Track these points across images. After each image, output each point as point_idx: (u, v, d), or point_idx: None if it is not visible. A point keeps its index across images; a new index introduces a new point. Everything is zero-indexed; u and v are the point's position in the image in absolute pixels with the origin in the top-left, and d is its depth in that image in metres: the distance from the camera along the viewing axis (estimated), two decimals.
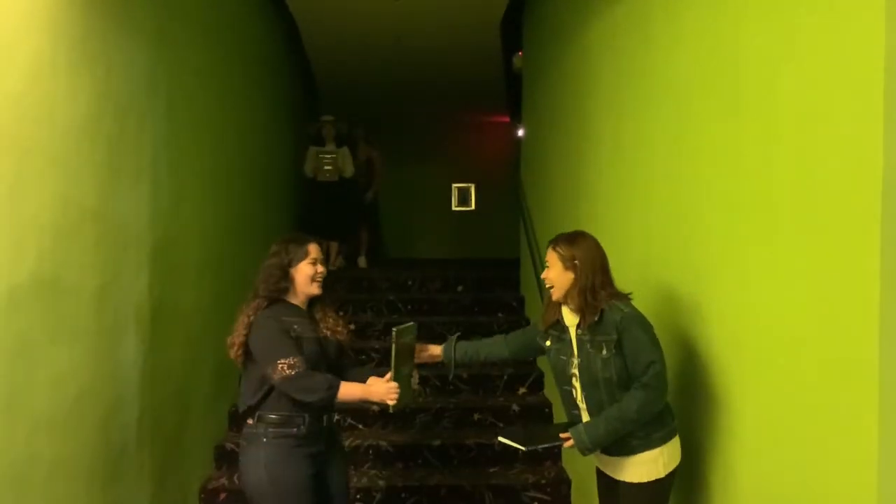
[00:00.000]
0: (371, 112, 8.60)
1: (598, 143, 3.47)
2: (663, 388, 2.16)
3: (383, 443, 4.12)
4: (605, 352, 2.17)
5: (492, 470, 4.09)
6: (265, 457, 2.42)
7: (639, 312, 2.21)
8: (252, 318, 2.47)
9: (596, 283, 2.22)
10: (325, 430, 2.55)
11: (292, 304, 2.56)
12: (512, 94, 7.40)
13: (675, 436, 2.23)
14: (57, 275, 2.40)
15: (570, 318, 2.30)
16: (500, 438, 2.36)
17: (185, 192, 3.58)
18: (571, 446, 2.19)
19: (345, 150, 6.48)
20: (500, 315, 5.56)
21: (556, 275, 2.27)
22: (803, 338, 1.69)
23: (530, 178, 5.45)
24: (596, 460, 2.37)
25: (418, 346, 2.61)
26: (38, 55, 2.28)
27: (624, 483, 2.22)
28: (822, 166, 1.61)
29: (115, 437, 2.85)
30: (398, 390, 2.38)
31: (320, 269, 2.57)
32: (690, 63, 2.37)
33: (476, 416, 4.42)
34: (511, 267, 6.13)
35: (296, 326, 2.47)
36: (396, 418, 4.35)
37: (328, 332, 2.59)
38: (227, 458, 4.06)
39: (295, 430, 2.44)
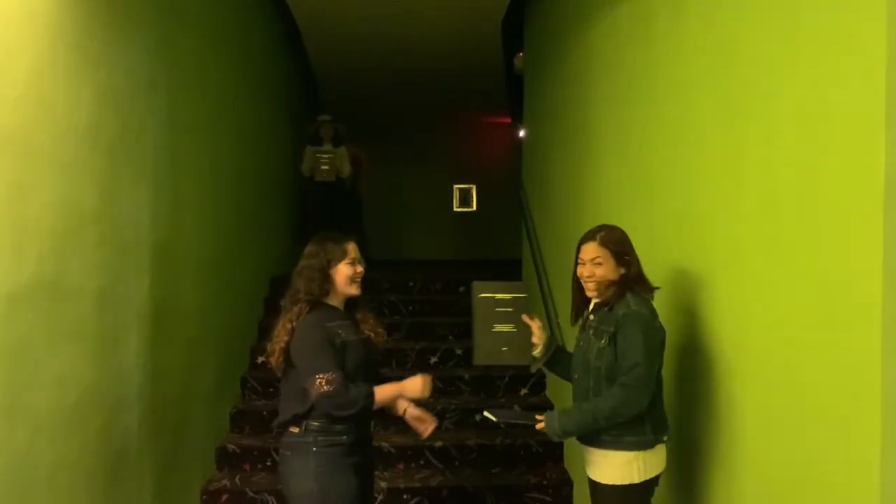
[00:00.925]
0: (372, 112, 8.60)
1: (600, 144, 3.47)
2: (643, 393, 2.12)
3: (385, 444, 4.11)
4: (602, 341, 2.19)
5: (493, 471, 4.09)
6: (315, 467, 2.33)
7: (647, 313, 2.18)
8: (294, 323, 2.39)
9: (640, 274, 2.25)
10: (368, 439, 2.52)
11: (333, 307, 2.48)
12: (513, 95, 7.40)
13: (656, 446, 2.19)
14: (58, 277, 2.40)
15: (592, 305, 2.33)
16: (485, 413, 2.37)
17: (185, 194, 3.58)
18: (542, 429, 2.20)
19: (342, 149, 6.48)
20: None
21: (609, 271, 2.23)
22: (806, 338, 1.69)
23: (532, 179, 5.44)
24: (583, 461, 2.37)
25: (529, 318, 2.42)
26: (39, 58, 2.28)
27: (598, 483, 2.22)
28: (825, 167, 1.61)
29: (116, 439, 2.85)
30: (431, 382, 2.42)
31: (359, 269, 2.50)
32: (693, 63, 2.36)
33: (478, 417, 4.42)
34: (513, 268, 6.12)
35: (340, 331, 2.40)
36: (395, 421, 4.33)
37: (371, 334, 2.54)
38: (228, 460, 4.06)
39: (344, 437, 2.37)
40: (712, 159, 2.20)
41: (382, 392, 2.37)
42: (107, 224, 2.75)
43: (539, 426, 2.20)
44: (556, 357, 2.46)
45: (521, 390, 4.75)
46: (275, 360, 2.42)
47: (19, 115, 2.18)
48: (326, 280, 2.44)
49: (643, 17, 2.84)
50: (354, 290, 2.49)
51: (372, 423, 2.51)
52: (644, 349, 2.12)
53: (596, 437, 2.20)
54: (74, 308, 2.52)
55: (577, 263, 2.32)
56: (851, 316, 1.50)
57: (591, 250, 2.26)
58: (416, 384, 2.40)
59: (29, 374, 2.24)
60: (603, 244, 2.25)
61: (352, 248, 2.49)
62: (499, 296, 2.41)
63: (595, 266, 2.24)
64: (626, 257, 2.24)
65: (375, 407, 2.36)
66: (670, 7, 2.56)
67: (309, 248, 2.50)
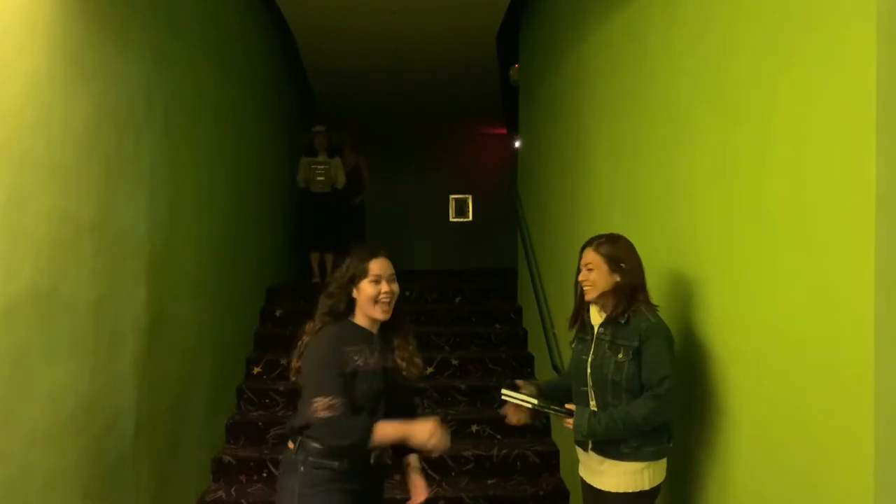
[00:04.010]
0: (369, 123, 8.63)
1: (594, 155, 3.49)
2: (672, 403, 2.17)
3: None
4: (621, 355, 2.19)
5: (490, 481, 4.08)
6: (300, 488, 2.15)
7: (664, 325, 2.22)
8: (307, 339, 2.22)
9: (637, 285, 2.25)
10: (370, 468, 2.23)
11: (358, 327, 2.23)
12: (508, 106, 7.43)
13: (664, 457, 2.23)
14: (54, 287, 2.40)
15: (596, 318, 2.32)
16: (505, 391, 2.31)
17: (182, 204, 3.58)
18: (568, 425, 2.22)
19: (337, 160, 6.48)
20: (497, 325, 5.55)
21: (601, 277, 2.26)
22: (800, 346, 1.70)
23: (527, 189, 5.46)
24: (581, 469, 2.37)
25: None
26: (37, 70, 2.29)
27: (608, 493, 2.23)
28: (817, 176, 1.63)
29: (112, 450, 2.84)
30: (440, 431, 2.10)
31: (385, 288, 2.19)
32: (686, 75, 2.39)
33: (474, 428, 4.41)
34: (508, 277, 6.13)
35: (356, 357, 2.15)
36: None
37: (403, 364, 2.27)
38: (224, 471, 4.05)
39: (336, 463, 2.14)
40: (705, 167, 2.22)
41: (384, 430, 2.10)
42: (103, 234, 2.75)
43: (567, 421, 2.22)
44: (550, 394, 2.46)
45: None
46: (294, 376, 2.29)
47: (17, 125, 2.19)
48: (347, 298, 2.22)
49: (636, 29, 2.87)
50: (378, 314, 2.20)
51: (372, 454, 2.21)
52: (670, 361, 2.17)
53: (614, 449, 2.20)
54: (70, 318, 2.52)
55: (578, 269, 2.35)
56: (844, 323, 1.52)
57: (586, 255, 2.32)
58: (424, 429, 2.10)
59: (25, 384, 2.24)
60: (596, 250, 2.30)
61: (376, 265, 2.21)
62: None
63: (588, 271, 2.29)
64: (622, 265, 2.26)
65: (373, 444, 2.11)
66: (663, 19, 2.58)
67: (344, 263, 2.30)
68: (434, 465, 4.11)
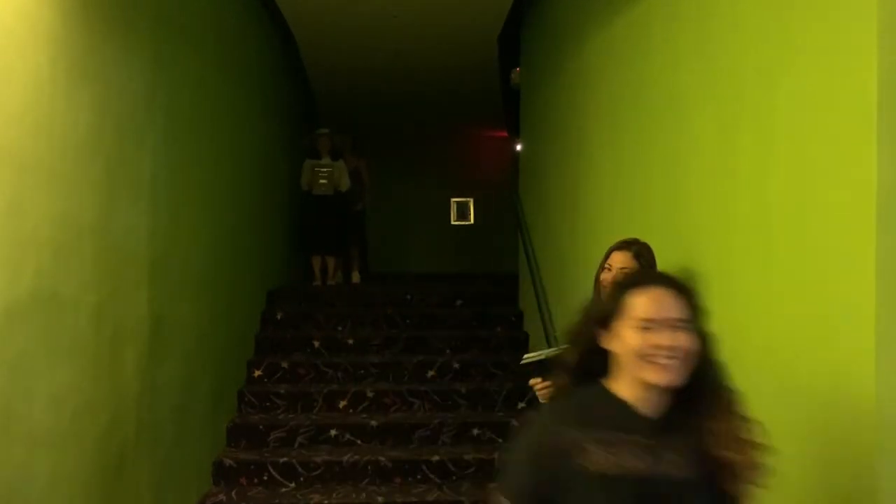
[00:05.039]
0: (370, 126, 8.63)
1: (596, 157, 3.49)
2: None
3: (382, 458, 4.10)
4: None
5: (491, 485, 4.07)
6: None
7: None
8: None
9: None
10: None
11: (616, 399, 1.33)
12: (510, 109, 7.44)
13: None
14: (56, 290, 2.40)
15: None
16: (526, 356, 2.33)
17: (183, 207, 3.59)
18: None
19: (340, 163, 6.49)
20: (498, 329, 5.55)
21: None
22: (801, 348, 1.70)
23: (528, 191, 5.47)
24: None
25: None
26: (38, 73, 2.30)
27: None
28: (818, 178, 1.63)
29: (113, 453, 2.84)
30: None
31: (662, 340, 1.27)
32: (688, 79, 2.39)
33: (475, 432, 4.40)
34: (510, 282, 6.13)
35: (596, 450, 1.27)
36: (394, 433, 4.33)
37: (725, 457, 1.29)
38: (224, 474, 4.04)
39: None
40: (707, 169, 2.22)
41: None
42: (105, 238, 2.75)
43: None
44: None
45: (518, 404, 4.74)
46: None
47: (19, 129, 2.19)
48: (587, 348, 1.39)
49: (638, 32, 2.87)
50: (652, 376, 1.28)
51: None
52: None
53: None
54: (72, 322, 2.52)
55: (602, 268, 2.32)
56: (846, 325, 1.51)
57: (622, 259, 2.26)
58: None
59: (26, 387, 2.24)
60: (636, 257, 2.26)
61: (646, 301, 1.31)
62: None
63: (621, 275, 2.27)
64: None
65: None
66: (665, 22, 2.59)
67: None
68: (435, 469, 4.10)
